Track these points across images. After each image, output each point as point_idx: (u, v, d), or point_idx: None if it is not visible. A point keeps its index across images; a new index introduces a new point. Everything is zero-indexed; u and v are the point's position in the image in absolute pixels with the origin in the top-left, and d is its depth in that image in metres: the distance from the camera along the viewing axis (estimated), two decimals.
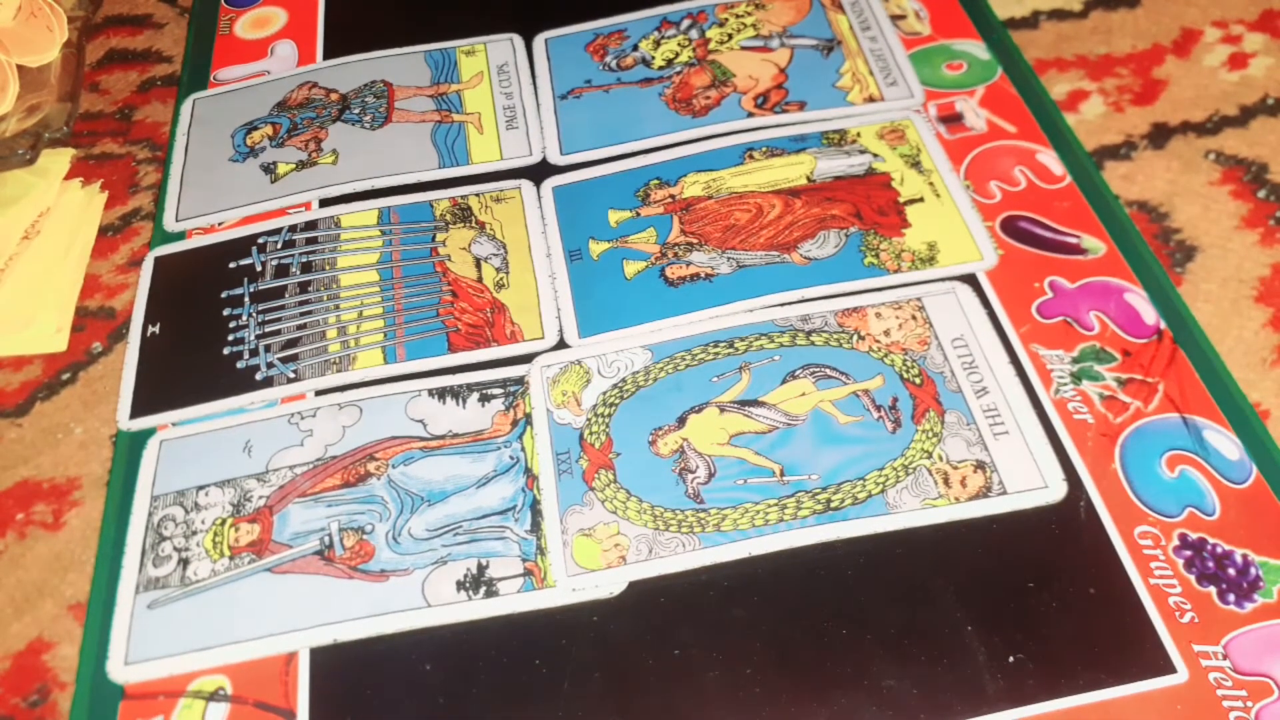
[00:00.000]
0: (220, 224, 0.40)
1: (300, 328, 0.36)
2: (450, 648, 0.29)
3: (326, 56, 0.45)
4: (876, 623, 0.29)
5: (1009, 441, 0.32)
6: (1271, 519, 0.30)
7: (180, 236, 0.40)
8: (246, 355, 0.36)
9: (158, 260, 0.39)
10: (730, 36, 0.44)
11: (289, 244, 0.39)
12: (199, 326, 0.37)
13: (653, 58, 0.44)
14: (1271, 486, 0.31)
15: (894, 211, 0.38)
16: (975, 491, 0.31)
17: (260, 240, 0.39)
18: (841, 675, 0.28)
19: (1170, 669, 0.28)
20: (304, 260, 0.38)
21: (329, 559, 0.31)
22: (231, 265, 0.38)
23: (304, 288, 0.37)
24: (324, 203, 0.40)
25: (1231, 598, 0.29)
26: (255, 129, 0.43)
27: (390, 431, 0.34)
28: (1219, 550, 0.29)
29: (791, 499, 0.31)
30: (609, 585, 0.30)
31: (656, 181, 0.39)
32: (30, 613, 0.32)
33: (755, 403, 0.33)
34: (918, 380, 0.33)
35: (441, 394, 0.34)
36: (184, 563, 0.31)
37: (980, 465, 0.31)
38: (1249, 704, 0.27)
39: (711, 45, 0.44)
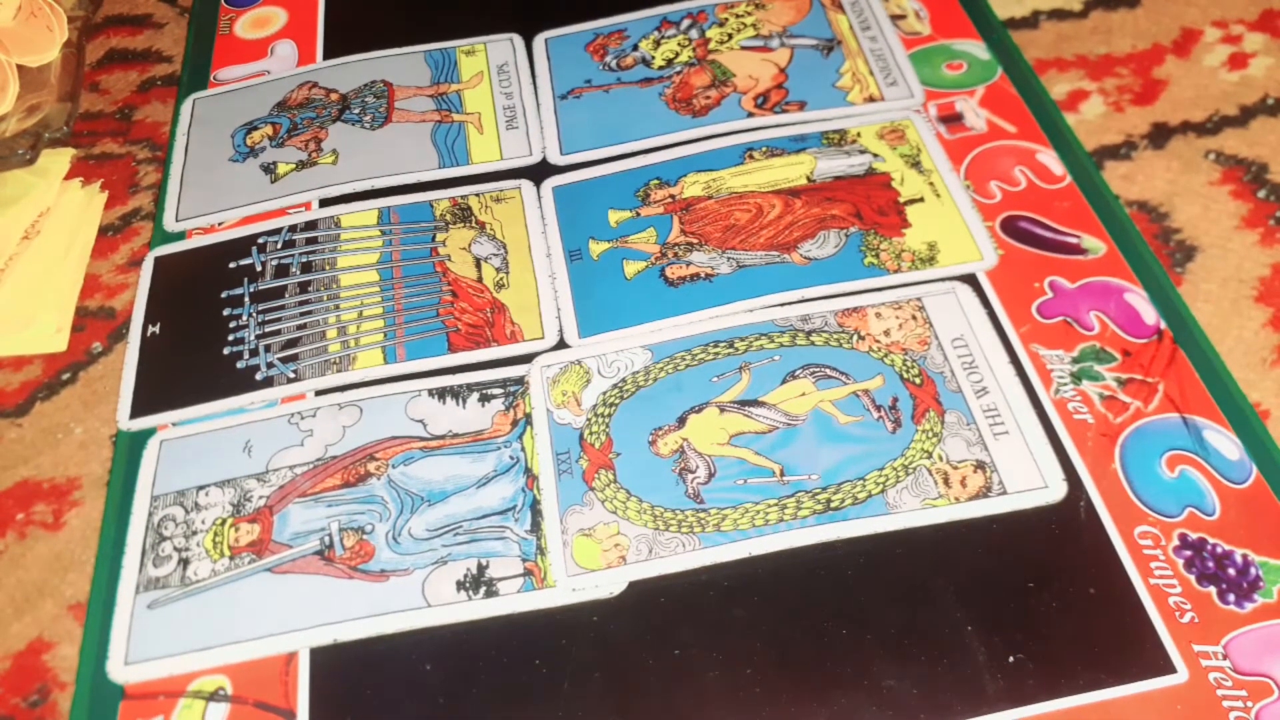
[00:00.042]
0: (220, 224, 0.40)
1: (300, 328, 0.36)
2: (450, 648, 0.29)
3: (326, 56, 0.45)
4: (876, 623, 0.29)
5: (1009, 441, 0.32)
6: (1271, 519, 0.30)
7: (180, 236, 0.40)
8: (246, 355, 0.36)
9: (158, 260, 0.39)
10: (730, 36, 0.44)
11: (289, 244, 0.39)
12: (199, 326, 0.37)
13: (653, 58, 0.44)
14: (1271, 486, 0.31)
15: (894, 211, 0.38)
16: (975, 491, 0.31)
17: (260, 240, 0.39)
18: (841, 675, 0.28)
19: (1170, 669, 0.28)
20: (304, 260, 0.38)
21: (329, 559, 0.31)
22: (231, 265, 0.38)
23: (304, 288, 0.37)
24: (324, 203, 0.40)
25: (1231, 598, 0.29)
26: (255, 129, 0.43)
27: (390, 431, 0.34)
28: (1219, 550, 0.29)
29: (791, 499, 0.31)
30: (609, 585, 0.30)
31: (656, 181, 0.39)
32: (30, 613, 0.32)
33: (755, 403, 0.33)
34: (918, 380, 0.33)
35: (441, 394, 0.34)
36: (184, 563, 0.31)
37: (980, 465, 0.31)
38: (1249, 704, 0.27)
39: (711, 45, 0.44)
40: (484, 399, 0.34)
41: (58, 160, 0.44)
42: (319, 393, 0.35)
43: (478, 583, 0.30)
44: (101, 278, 0.40)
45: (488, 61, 0.45)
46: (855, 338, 0.34)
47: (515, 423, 0.34)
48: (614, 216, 0.39)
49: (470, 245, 0.38)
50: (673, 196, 0.39)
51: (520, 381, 0.35)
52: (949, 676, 0.28)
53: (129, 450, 0.34)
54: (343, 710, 0.29)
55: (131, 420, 0.35)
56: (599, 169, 0.40)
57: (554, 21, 0.46)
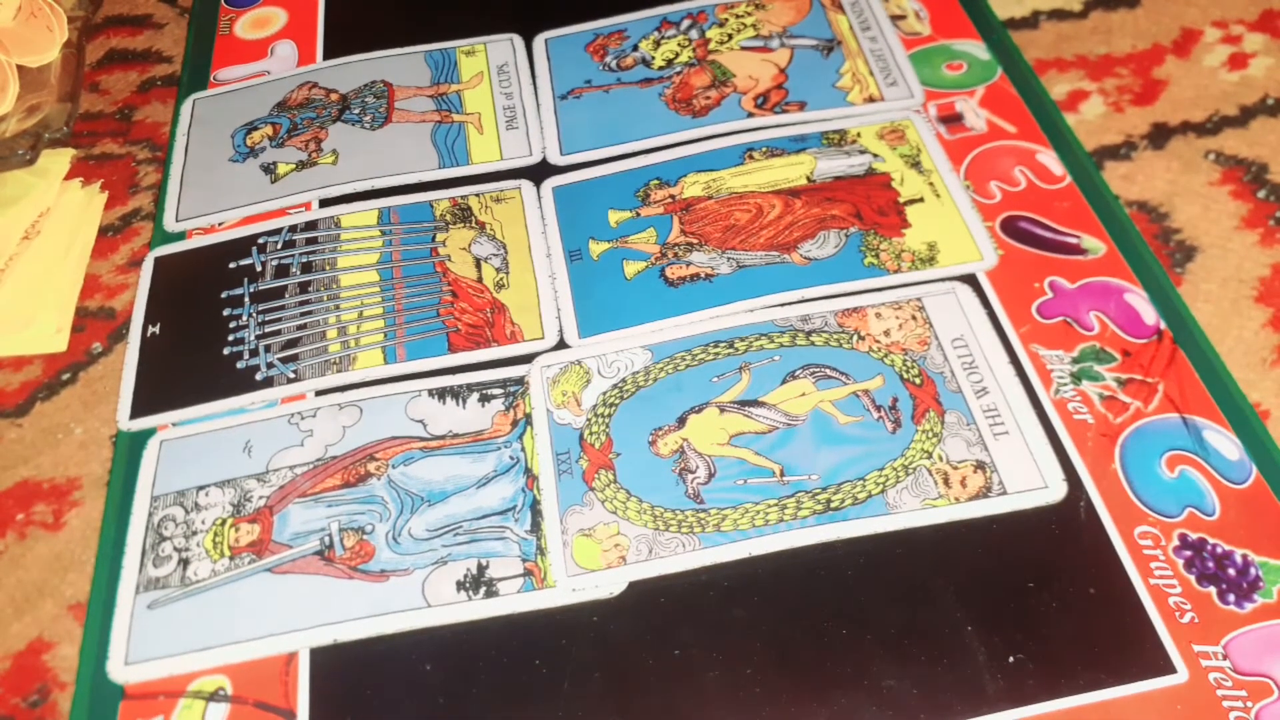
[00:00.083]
0: (220, 224, 0.40)
1: (300, 328, 0.36)
2: (450, 648, 0.29)
3: (326, 56, 0.45)
4: (876, 623, 0.29)
5: (1009, 441, 0.32)
6: (1271, 519, 0.30)
7: (180, 236, 0.40)
8: (246, 355, 0.36)
9: (158, 260, 0.39)
10: (730, 36, 0.44)
11: (289, 244, 0.39)
12: (199, 326, 0.37)
13: (653, 58, 0.44)
14: (1271, 486, 0.31)
15: (894, 211, 0.38)
16: (975, 491, 0.31)
17: (260, 240, 0.39)
18: (841, 675, 0.28)
19: (1170, 669, 0.28)
20: (304, 260, 0.38)
21: (329, 559, 0.31)
22: (231, 265, 0.38)
23: (304, 288, 0.37)
24: (324, 203, 0.40)
25: (1231, 598, 0.29)
26: (255, 129, 0.43)
27: (390, 431, 0.34)
28: (1219, 550, 0.29)
29: (791, 499, 0.31)
30: (609, 585, 0.30)
31: (656, 181, 0.39)
32: (30, 613, 0.32)
33: (755, 403, 0.33)
34: (918, 380, 0.33)
35: (441, 394, 0.34)
36: (184, 563, 0.31)
37: (980, 465, 0.31)
38: (1249, 704, 0.27)
39: (711, 45, 0.44)
40: (484, 399, 0.34)
41: (58, 160, 0.44)
42: (319, 393, 0.35)
43: (478, 583, 0.30)
44: (101, 278, 0.40)
45: (488, 62, 0.45)
46: (855, 338, 0.34)
47: (515, 423, 0.34)
48: (614, 217, 0.39)
49: (470, 245, 0.38)
50: (673, 196, 0.39)
51: (520, 382, 0.35)
52: (949, 676, 0.28)
53: (129, 450, 0.34)
54: (343, 710, 0.29)
55: (131, 420, 0.35)
56: (599, 169, 0.40)
57: (554, 22, 0.46)
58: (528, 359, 0.35)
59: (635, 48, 0.44)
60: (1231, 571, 0.29)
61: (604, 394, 0.34)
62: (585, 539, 0.31)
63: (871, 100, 0.41)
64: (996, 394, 0.33)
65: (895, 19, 0.44)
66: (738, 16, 0.45)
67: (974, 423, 0.32)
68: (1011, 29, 0.44)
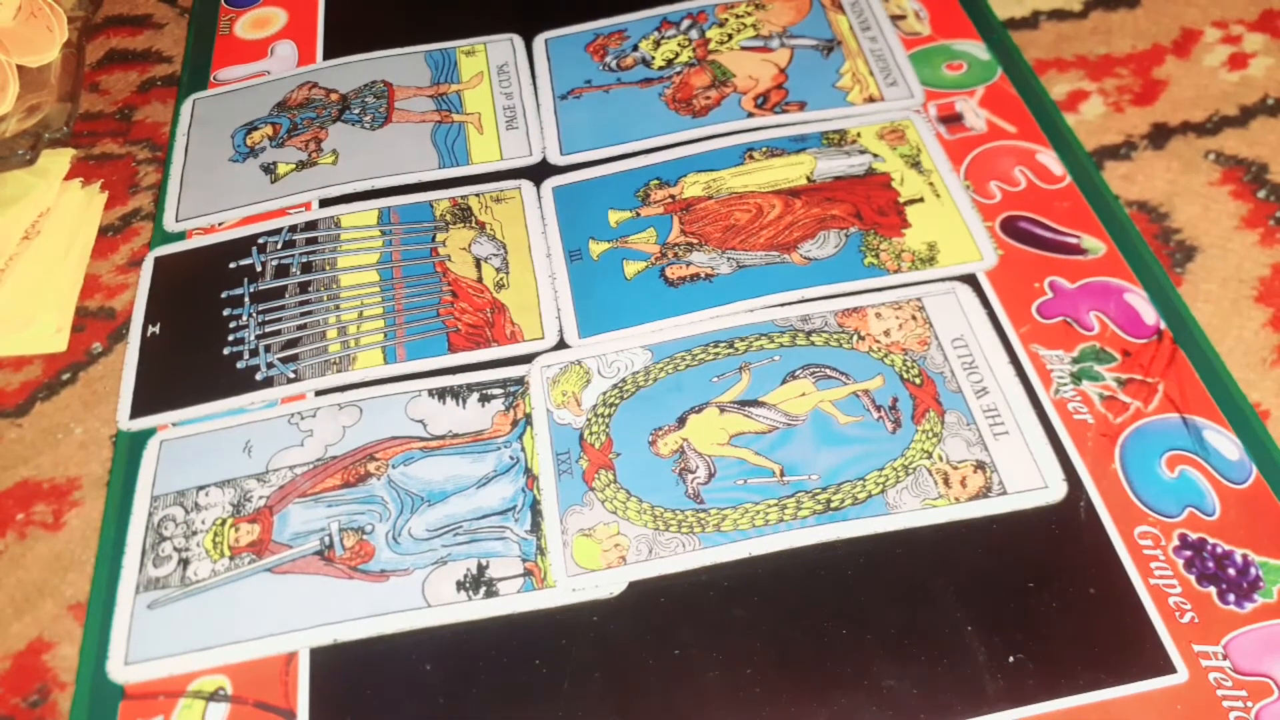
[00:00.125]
0: (220, 224, 0.40)
1: (300, 328, 0.36)
2: (450, 648, 0.29)
3: (326, 56, 0.45)
4: (876, 623, 0.29)
5: (1009, 441, 0.32)
6: (1271, 519, 0.30)
7: (180, 236, 0.40)
8: (246, 355, 0.36)
9: (158, 260, 0.39)
10: (730, 36, 0.44)
11: (289, 244, 0.39)
12: (199, 326, 0.37)
13: (653, 58, 0.44)
14: (1271, 486, 0.31)
15: (894, 211, 0.38)
16: (975, 491, 0.31)
17: (260, 240, 0.39)
18: (841, 675, 0.28)
19: (1170, 669, 0.28)
20: (304, 260, 0.38)
21: (329, 559, 0.31)
22: (231, 265, 0.38)
23: (304, 288, 0.37)
24: (324, 203, 0.40)
25: (1231, 598, 0.29)
26: (255, 129, 0.43)
27: (390, 431, 0.34)
28: (1219, 550, 0.29)
29: (791, 499, 0.31)
30: (609, 585, 0.30)
31: (656, 181, 0.39)
32: (30, 613, 0.32)
33: (755, 403, 0.33)
34: (918, 380, 0.33)
35: (441, 394, 0.34)
36: (184, 563, 0.31)
37: (980, 465, 0.31)
38: (1249, 704, 0.27)
39: (711, 45, 0.44)
40: (484, 399, 0.34)
41: (58, 160, 0.44)
42: (319, 393, 0.35)
43: (478, 583, 0.30)
44: (101, 278, 0.40)
45: (488, 62, 0.45)
46: (855, 338, 0.34)
47: (515, 423, 0.34)
48: (614, 216, 0.39)
49: (470, 245, 0.38)
50: (673, 196, 0.39)
51: (520, 381, 0.35)
52: (949, 676, 0.28)
53: (129, 450, 0.34)
54: (343, 710, 0.29)
55: (131, 420, 0.35)
56: (599, 169, 0.40)
57: (554, 22, 0.46)
58: (528, 359, 0.35)
59: (635, 48, 0.44)
60: (1231, 571, 0.29)
61: (604, 394, 0.34)
62: (585, 539, 0.31)
63: (871, 100, 0.41)
64: (996, 394, 0.33)
65: (895, 19, 0.44)
66: (738, 16, 0.45)
67: (974, 423, 0.32)
68: (1011, 29, 0.44)
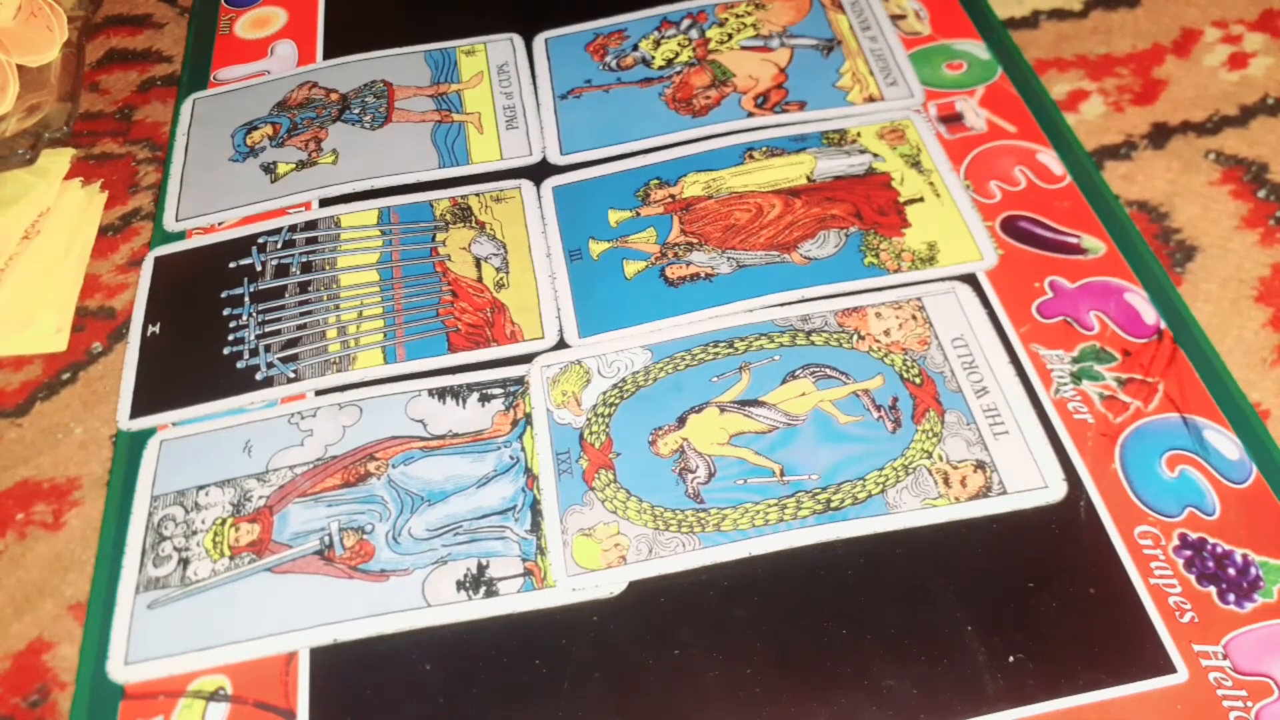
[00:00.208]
0: (220, 224, 0.40)
1: (300, 328, 0.36)
2: (450, 648, 0.29)
3: (326, 56, 0.45)
4: (876, 623, 0.29)
5: (1009, 441, 0.32)
6: (1271, 519, 0.30)
7: (180, 236, 0.40)
8: (246, 355, 0.36)
9: (158, 260, 0.39)
10: (730, 36, 0.44)
11: (289, 244, 0.39)
12: (199, 326, 0.37)
13: (653, 57, 0.44)
14: (1271, 486, 0.31)
15: (894, 211, 0.38)
16: (975, 491, 0.31)
17: (260, 240, 0.39)
18: (841, 675, 0.28)
19: (1170, 669, 0.28)
20: (304, 260, 0.38)
21: (329, 559, 0.31)
22: (231, 265, 0.38)
23: (304, 288, 0.37)
24: (324, 203, 0.40)
25: (1231, 598, 0.29)
26: (255, 129, 0.43)
27: (390, 431, 0.34)
28: (1219, 550, 0.29)
29: (791, 499, 0.31)
30: (609, 585, 0.30)
31: (656, 181, 0.39)
32: (30, 613, 0.32)
33: (755, 403, 0.33)
34: (918, 380, 0.33)
35: (441, 394, 0.34)
36: (184, 563, 0.31)
37: (980, 465, 0.31)
38: (1249, 704, 0.27)
39: (711, 45, 0.44)
40: (484, 399, 0.34)
41: (58, 160, 0.44)
42: (319, 393, 0.35)
43: (478, 583, 0.30)
44: (101, 278, 0.40)
45: (488, 61, 0.45)
46: (855, 338, 0.34)
47: (515, 423, 0.34)
48: (614, 216, 0.39)
49: (470, 245, 0.38)
50: (673, 196, 0.39)
51: (520, 381, 0.35)
52: (949, 676, 0.28)
53: (129, 450, 0.34)
54: (343, 710, 0.29)
55: (131, 420, 0.35)
56: (599, 169, 0.40)
57: (554, 21, 0.46)
58: (528, 359, 0.35)
59: (635, 47, 0.44)
60: (1231, 571, 0.29)
61: (604, 394, 0.34)
62: (585, 539, 0.31)
63: (871, 100, 0.41)
64: (996, 394, 0.33)
65: (895, 18, 0.44)
66: (738, 16, 0.45)
67: (974, 422, 0.32)
68: (1011, 29, 0.44)
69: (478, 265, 0.38)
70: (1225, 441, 0.31)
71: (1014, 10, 0.45)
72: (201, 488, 0.33)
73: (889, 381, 0.33)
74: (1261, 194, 0.38)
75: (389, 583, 0.30)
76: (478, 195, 0.40)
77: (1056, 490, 0.31)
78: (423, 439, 0.33)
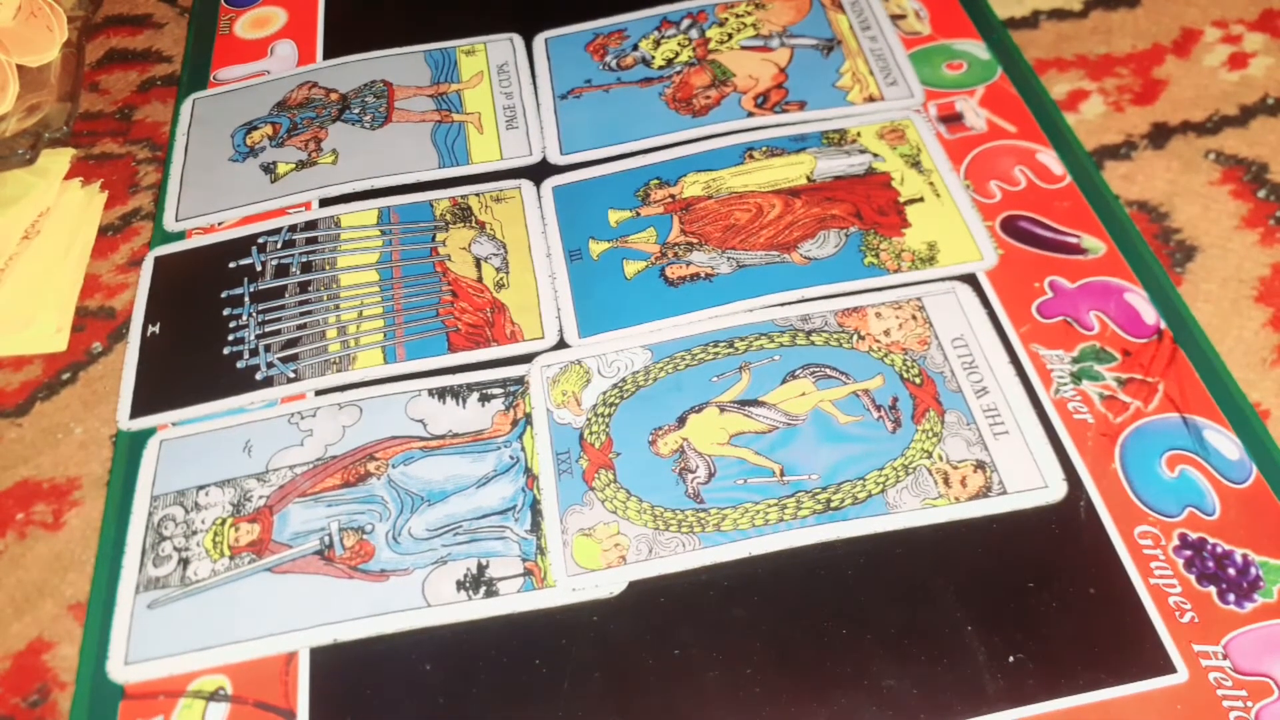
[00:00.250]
0: (220, 224, 0.40)
1: (300, 328, 0.36)
2: (450, 648, 0.29)
3: (326, 56, 0.45)
4: (876, 623, 0.29)
5: (1009, 441, 0.32)
6: (1271, 519, 0.30)
7: (180, 236, 0.40)
8: (246, 355, 0.36)
9: (158, 260, 0.39)
10: (730, 36, 0.44)
11: (289, 244, 0.39)
12: (199, 326, 0.37)
13: (653, 57, 0.44)
14: (1271, 486, 0.31)
15: (894, 211, 0.38)
16: (975, 491, 0.31)
17: (260, 240, 0.39)
18: (841, 675, 0.28)
19: (1170, 669, 0.28)
20: (304, 260, 0.38)
21: (329, 559, 0.31)
22: (231, 265, 0.38)
23: (304, 288, 0.37)
24: (324, 203, 0.40)
25: (1231, 598, 0.29)
26: (255, 129, 0.43)
27: (390, 431, 0.34)
28: (1219, 550, 0.29)
29: (791, 499, 0.31)
30: (609, 585, 0.30)
31: (656, 181, 0.39)
32: (30, 613, 0.32)
33: (755, 402, 0.33)
34: (918, 380, 0.33)
35: (441, 394, 0.34)
36: (184, 562, 0.31)
37: (980, 465, 0.31)
38: (1249, 704, 0.27)
39: (711, 45, 0.44)
40: (484, 399, 0.34)
41: (58, 160, 0.44)
42: (319, 393, 0.35)
43: (478, 583, 0.30)
44: (101, 278, 0.40)
45: (488, 61, 0.45)
46: (855, 337, 0.34)
47: (515, 422, 0.34)
48: (614, 216, 0.39)
49: (470, 245, 0.38)
50: (673, 196, 0.39)
51: (520, 381, 0.35)
52: (949, 676, 0.28)
53: (129, 450, 0.34)
54: (343, 710, 0.29)
55: (131, 420, 0.35)
56: (599, 169, 0.40)
57: (554, 21, 0.46)
58: (528, 359, 0.35)
59: (635, 47, 0.44)
60: (1231, 571, 0.29)
61: (604, 394, 0.34)
62: (585, 539, 0.31)
63: (871, 100, 0.41)
64: (996, 394, 0.33)
65: (895, 18, 0.44)
66: (738, 16, 0.45)
67: (974, 422, 0.32)
68: (1011, 29, 0.44)
69: (478, 265, 0.38)
70: (1225, 441, 0.31)
71: (1014, 10, 0.45)
72: (201, 488, 0.33)
73: (889, 381, 0.33)
74: (1261, 194, 0.38)
75: (389, 583, 0.30)
76: (478, 195, 0.40)
77: (1056, 490, 0.31)
78: (423, 439, 0.33)
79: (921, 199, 0.38)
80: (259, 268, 0.38)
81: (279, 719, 0.28)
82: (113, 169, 0.44)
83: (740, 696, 0.28)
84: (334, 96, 0.43)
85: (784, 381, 0.34)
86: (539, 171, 0.40)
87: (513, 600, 0.30)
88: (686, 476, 0.32)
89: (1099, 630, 0.28)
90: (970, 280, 0.36)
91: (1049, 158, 0.39)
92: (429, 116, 0.42)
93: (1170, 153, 0.40)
